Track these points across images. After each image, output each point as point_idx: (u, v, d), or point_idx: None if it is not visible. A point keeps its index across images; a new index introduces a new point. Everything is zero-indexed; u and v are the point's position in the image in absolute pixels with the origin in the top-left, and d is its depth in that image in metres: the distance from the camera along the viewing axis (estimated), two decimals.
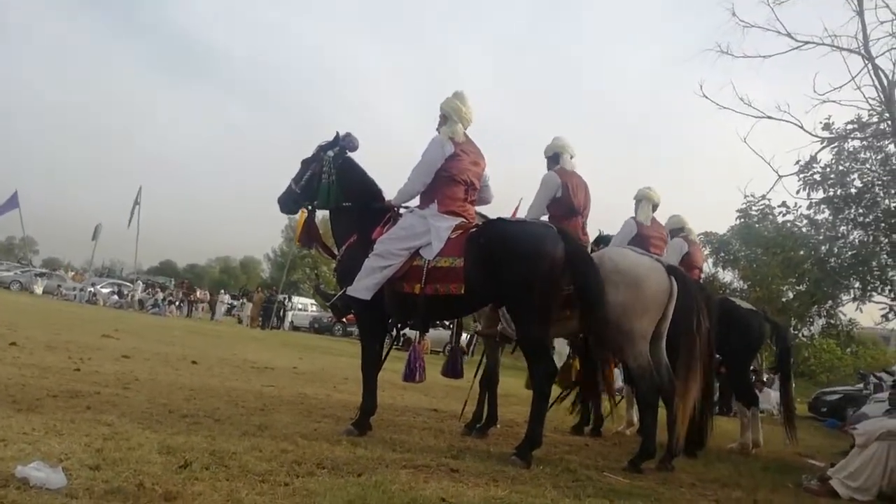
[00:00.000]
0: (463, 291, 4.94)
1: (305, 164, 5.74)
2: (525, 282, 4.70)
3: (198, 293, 36.51)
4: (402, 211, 5.50)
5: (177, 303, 32.52)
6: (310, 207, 5.91)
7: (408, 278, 5.10)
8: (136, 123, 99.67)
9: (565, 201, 6.14)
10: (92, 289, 32.75)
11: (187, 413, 5.12)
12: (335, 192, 5.58)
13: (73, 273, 42.66)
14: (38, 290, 32.31)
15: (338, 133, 5.73)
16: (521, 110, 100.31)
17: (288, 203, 5.88)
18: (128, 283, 35.90)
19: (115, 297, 32.61)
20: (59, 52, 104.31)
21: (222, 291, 38.54)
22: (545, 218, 6.05)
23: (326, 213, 5.97)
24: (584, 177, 6.38)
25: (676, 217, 7.96)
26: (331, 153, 5.64)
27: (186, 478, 3.27)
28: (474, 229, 5.11)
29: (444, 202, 5.24)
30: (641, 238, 7.14)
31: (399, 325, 5.92)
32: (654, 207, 7.47)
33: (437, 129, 5.42)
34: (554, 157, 6.42)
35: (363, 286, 5.13)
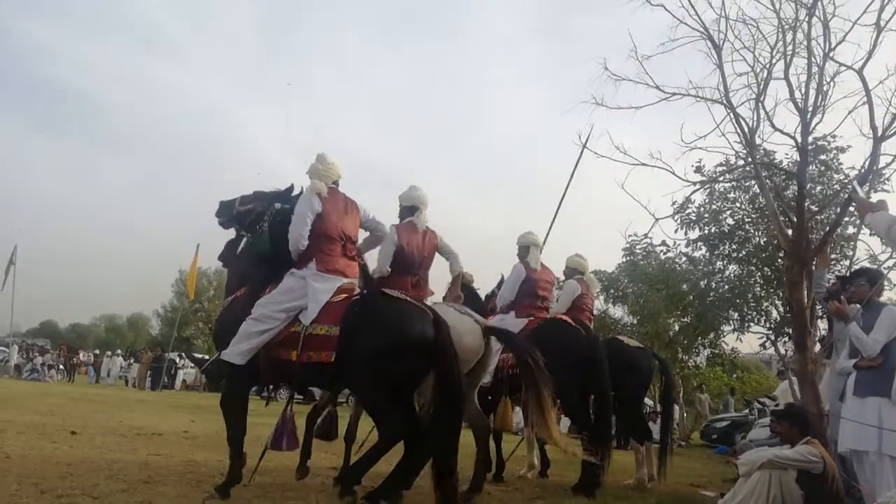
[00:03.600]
0: (333, 360, 4.82)
1: (257, 197, 5.63)
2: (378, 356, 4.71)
3: (81, 355, 34.45)
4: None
5: (57, 367, 30.56)
6: (238, 232, 5.78)
7: (284, 344, 4.97)
8: (8, 178, 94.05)
9: (399, 258, 5.98)
10: None
11: (62, 493, 4.78)
12: (262, 242, 5.45)
13: None
14: None
15: (292, 186, 5.60)
16: (407, 158, 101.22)
17: (225, 214, 5.73)
18: (2, 348, 33.49)
19: None
20: None
21: (109, 353, 36.44)
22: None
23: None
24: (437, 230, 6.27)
25: (576, 259, 8.17)
26: (278, 206, 5.53)
27: None
28: (356, 296, 5.10)
29: (323, 260, 5.18)
30: (531, 282, 7.33)
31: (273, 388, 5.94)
32: (540, 251, 7.70)
33: None
34: (409, 210, 6.25)
35: (237, 351, 4.95)
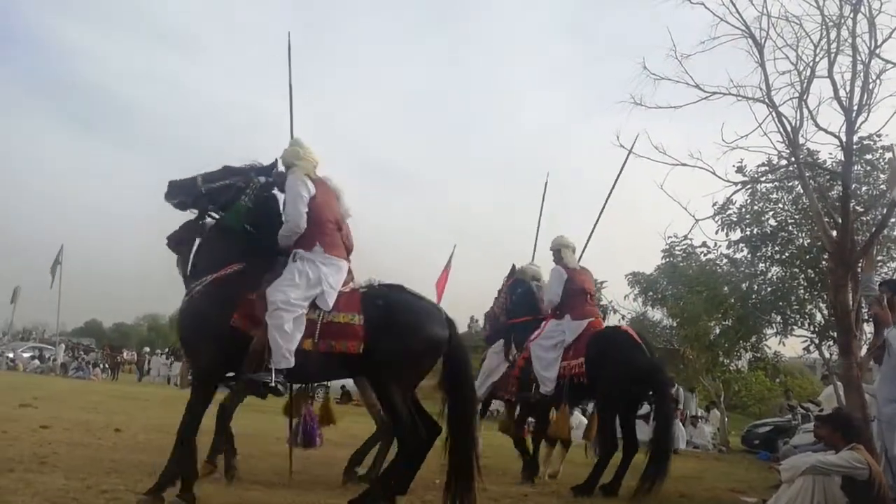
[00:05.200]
0: (361, 350, 4.70)
1: (227, 171, 5.16)
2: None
3: (124, 354, 35.17)
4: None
5: (102, 365, 31.25)
6: (205, 213, 5.26)
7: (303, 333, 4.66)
8: (53, 180, 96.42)
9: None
10: (11, 354, 31.19)
11: (107, 488, 4.89)
12: (245, 216, 5.03)
13: None
14: None
15: (276, 161, 5.27)
16: (432, 160, 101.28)
17: (183, 194, 5.13)
18: (49, 347, 34.34)
19: (36, 361, 31.09)
20: None
21: (147, 351, 37.10)
22: None
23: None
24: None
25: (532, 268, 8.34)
26: (261, 179, 5.17)
27: None
28: (364, 289, 5.04)
29: (327, 244, 4.95)
30: (575, 282, 7.38)
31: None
32: (573, 251, 7.71)
33: None
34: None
35: (283, 354, 4.53)
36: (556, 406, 7.26)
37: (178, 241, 5.42)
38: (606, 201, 8.47)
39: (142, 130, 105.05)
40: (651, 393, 7.00)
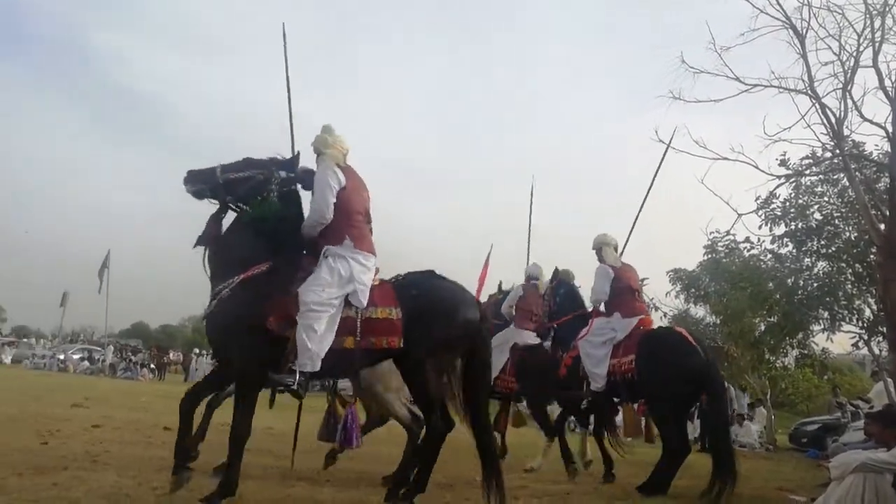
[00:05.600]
0: (401, 345, 4.70)
1: (248, 163, 4.96)
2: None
3: (171, 355, 35.90)
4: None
5: (149, 366, 31.94)
6: (224, 205, 5.00)
7: (338, 332, 4.59)
8: (98, 185, 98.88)
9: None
10: (62, 356, 32.07)
11: (157, 485, 5.02)
12: (271, 211, 4.83)
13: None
14: (7, 359, 31.60)
15: (298, 154, 5.13)
16: (469, 159, 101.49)
17: (201, 182, 4.91)
18: (98, 348, 35.24)
19: (86, 362, 31.96)
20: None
21: (196, 352, 37.78)
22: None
23: None
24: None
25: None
26: (283, 174, 4.98)
27: None
28: (396, 279, 5.00)
29: (357, 237, 4.82)
30: (621, 279, 7.38)
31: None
32: (615, 248, 7.67)
33: None
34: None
35: (311, 356, 4.46)
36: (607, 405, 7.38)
37: (207, 239, 5.32)
38: (646, 197, 8.40)
39: (181, 133, 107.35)
40: (706, 395, 6.94)
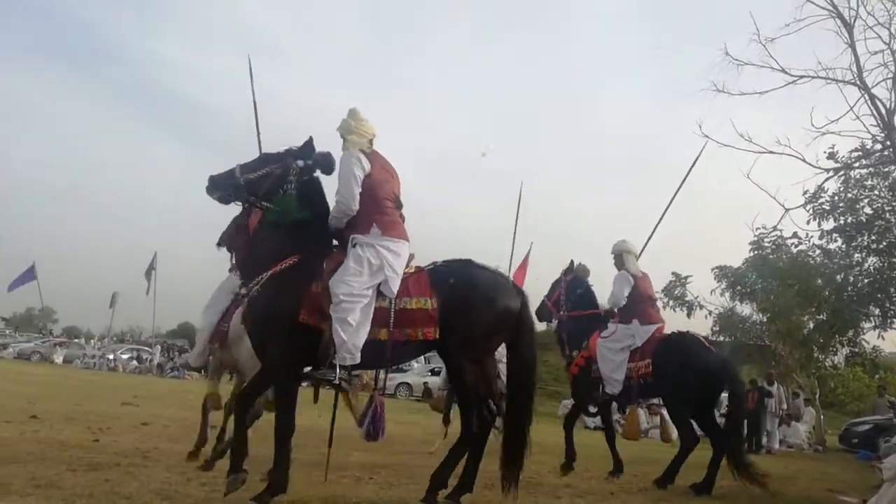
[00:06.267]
0: (438, 336, 4.60)
1: (265, 159, 4.89)
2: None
3: None
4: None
5: None
6: (249, 205, 4.99)
7: (374, 322, 4.47)
8: (143, 188, 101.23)
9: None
10: (111, 356, 32.85)
11: (206, 481, 5.11)
12: (293, 206, 4.72)
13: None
14: (59, 359, 32.44)
15: (311, 139, 4.88)
16: (511, 151, 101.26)
17: (223, 188, 4.80)
18: (146, 348, 36.01)
19: (135, 362, 32.71)
20: (50, 119, 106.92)
21: None
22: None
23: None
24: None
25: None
26: (300, 163, 4.81)
27: None
28: (432, 267, 4.85)
29: (386, 224, 4.67)
30: (639, 288, 7.49)
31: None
32: (636, 257, 7.82)
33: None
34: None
35: (349, 349, 4.36)
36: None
37: (230, 240, 5.38)
38: (676, 192, 8.47)
39: (234, 134, 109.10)
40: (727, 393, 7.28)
